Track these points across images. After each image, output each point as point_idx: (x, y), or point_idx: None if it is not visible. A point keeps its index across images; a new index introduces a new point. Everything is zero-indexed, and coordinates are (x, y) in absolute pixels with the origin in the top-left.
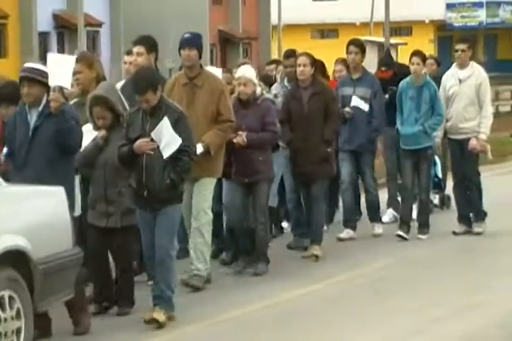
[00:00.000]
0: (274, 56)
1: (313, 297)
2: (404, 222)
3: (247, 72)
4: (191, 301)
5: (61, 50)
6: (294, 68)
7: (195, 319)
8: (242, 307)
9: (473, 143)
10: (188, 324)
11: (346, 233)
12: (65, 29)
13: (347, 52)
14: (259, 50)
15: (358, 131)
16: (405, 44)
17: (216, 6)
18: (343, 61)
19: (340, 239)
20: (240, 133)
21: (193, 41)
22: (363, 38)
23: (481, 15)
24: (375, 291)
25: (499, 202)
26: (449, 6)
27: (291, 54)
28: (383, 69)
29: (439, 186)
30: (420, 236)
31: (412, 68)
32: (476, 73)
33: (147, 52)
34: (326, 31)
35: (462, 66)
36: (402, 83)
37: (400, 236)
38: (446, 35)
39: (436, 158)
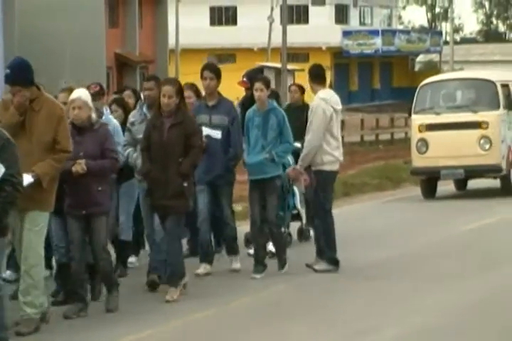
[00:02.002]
0: None
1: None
2: (258, 262)
3: (82, 94)
4: None
5: None
6: (152, 91)
7: None
8: None
9: (288, 172)
10: None
11: (203, 268)
12: None
13: (201, 78)
14: (156, 73)
15: (214, 161)
16: (302, 70)
17: (113, 29)
18: (191, 86)
19: (197, 275)
20: (79, 161)
21: (13, 79)
22: (260, 63)
23: (377, 43)
24: (247, 324)
25: (387, 228)
26: (346, 34)
27: (151, 77)
28: (244, 79)
29: (299, 218)
30: (280, 271)
31: (255, 95)
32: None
33: None
34: (224, 56)
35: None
36: (249, 112)
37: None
38: (342, 62)
39: (295, 189)
